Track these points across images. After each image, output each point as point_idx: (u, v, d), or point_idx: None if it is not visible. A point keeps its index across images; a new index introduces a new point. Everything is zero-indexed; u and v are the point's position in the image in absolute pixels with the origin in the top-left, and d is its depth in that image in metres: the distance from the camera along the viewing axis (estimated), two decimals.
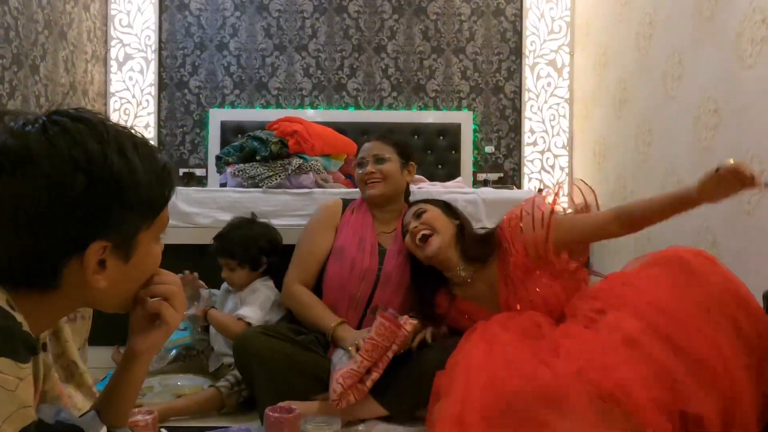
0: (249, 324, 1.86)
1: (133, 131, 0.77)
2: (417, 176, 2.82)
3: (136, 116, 4.00)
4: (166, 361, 2.09)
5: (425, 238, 1.64)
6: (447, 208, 1.74)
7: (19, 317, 0.66)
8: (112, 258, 0.73)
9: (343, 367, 1.57)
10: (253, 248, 1.99)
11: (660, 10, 2.92)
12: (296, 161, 2.24)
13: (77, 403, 1.06)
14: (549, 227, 1.51)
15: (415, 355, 1.64)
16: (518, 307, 1.54)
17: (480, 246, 1.63)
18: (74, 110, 0.73)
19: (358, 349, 1.59)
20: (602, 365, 1.16)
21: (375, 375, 1.57)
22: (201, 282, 1.99)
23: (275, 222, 2.15)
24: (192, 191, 2.24)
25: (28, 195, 0.67)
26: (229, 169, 2.30)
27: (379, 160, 1.91)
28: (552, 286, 1.53)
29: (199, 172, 3.98)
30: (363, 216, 1.90)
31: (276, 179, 2.21)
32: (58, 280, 0.71)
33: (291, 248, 2.00)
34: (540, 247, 1.51)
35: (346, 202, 2.00)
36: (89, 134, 0.70)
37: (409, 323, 1.61)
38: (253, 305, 1.95)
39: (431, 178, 3.74)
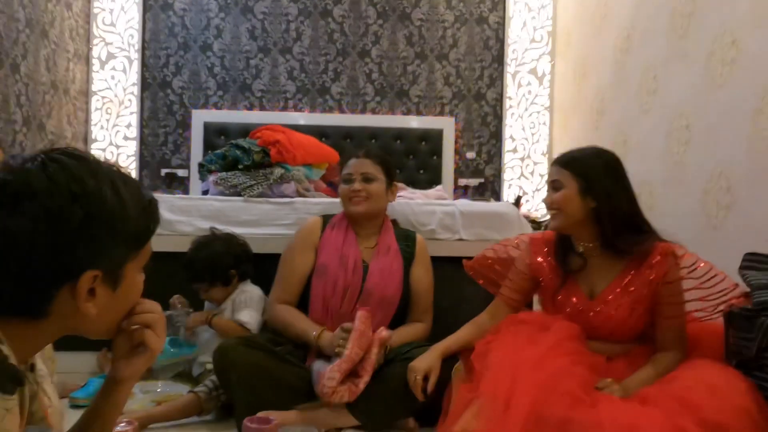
0: (249, 330, 1.96)
1: (120, 169, 0.82)
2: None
3: (118, 115, 3.99)
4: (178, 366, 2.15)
5: (553, 214, 1.58)
6: (588, 183, 1.52)
7: (6, 349, 0.69)
8: (102, 287, 0.77)
9: (332, 365, 1.61)
10: (218, 268, 2.03)
11: (637, 24, 3.00)
12: (278, 171, 2.27)
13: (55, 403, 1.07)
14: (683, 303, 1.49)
15: (385, 368, 1.69)
16: (598, 309, 1.51)
17: (625, 235, 1.50)
18: (70, 149, 0.78)
19: (339, 355, 1.63)
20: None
21: (366, 378, 1.63)
22: (184, 301, 2.07)
23: (256, 231, 2.18)
24: (175, 199, 2.26)
25: (28, 228, 0.70)
26: (211, 177, 2.32)
27: (367, 179, 1.91)
28: (638, 323, 1.52)
29: (181, 172, 3.98)
30: (345, 232, 1.92)
31: (258, 188, 2.24)
32: (49, 308, 0.75)
33: (271, 257, 2.04)
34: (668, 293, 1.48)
35: (325, 219, 2.01)
36: (85, 171, 0.75)
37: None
38: (249, 308, 2.01)
39: (413, 182, 3.79)
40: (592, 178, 1.53)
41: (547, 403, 1.24)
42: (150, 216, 0.82)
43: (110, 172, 0.78)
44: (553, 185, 1.59)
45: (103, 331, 0.84)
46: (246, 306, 2.02)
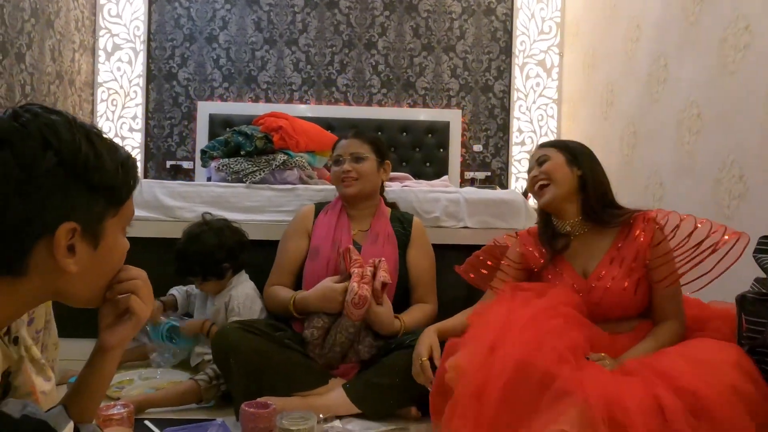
0: None
1: (97, 128, 0.80)
2: (402, 174, 2.83)
3: (123, 107, 3.98)
4: (178, 359, 2.10)
5: (543, 188, 1.62)
6: (572, 155, 1.62)
7: None
8: (82, 243, 0.75)
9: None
10: (211, 263, 1.94)
11: (647, 13, 2.94)
12: (281, 157, 2.24)
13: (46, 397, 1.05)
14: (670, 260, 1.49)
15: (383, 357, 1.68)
16: (594, 285, 1.52)
17: (605, 208, 1.57)
18: (44, 106, 0.77)
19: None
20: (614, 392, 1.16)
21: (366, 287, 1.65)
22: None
23: (259, 218, 2.15)
24: (176, 185, 2.23)
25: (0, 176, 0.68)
26: (213, 164, 2.30)
27: (357, 158, 1.90)
28: (636, 294, 1.51)
29: (186, 164, 3.97)
30: (338, 215, 1.92)
31: (260, 174, 2.21)
32: (27, 265, 0.72)
33: (273, 243, 2.01)
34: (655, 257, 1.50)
35: (318, 207, 2.01)
36: (59, 121, 0.74)
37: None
38: (243, 314, 1.92)
39: (419, 175, 3.75)
40: (576, 152, 1.65)
41: (533, 354, 1.24)
42: (128, 171, 0.81)
43: (85, 127, 0.77)
44: (539, 161, 1.65)
45: (87, 297, 0.82)
46: (236, 315, 1.93)
